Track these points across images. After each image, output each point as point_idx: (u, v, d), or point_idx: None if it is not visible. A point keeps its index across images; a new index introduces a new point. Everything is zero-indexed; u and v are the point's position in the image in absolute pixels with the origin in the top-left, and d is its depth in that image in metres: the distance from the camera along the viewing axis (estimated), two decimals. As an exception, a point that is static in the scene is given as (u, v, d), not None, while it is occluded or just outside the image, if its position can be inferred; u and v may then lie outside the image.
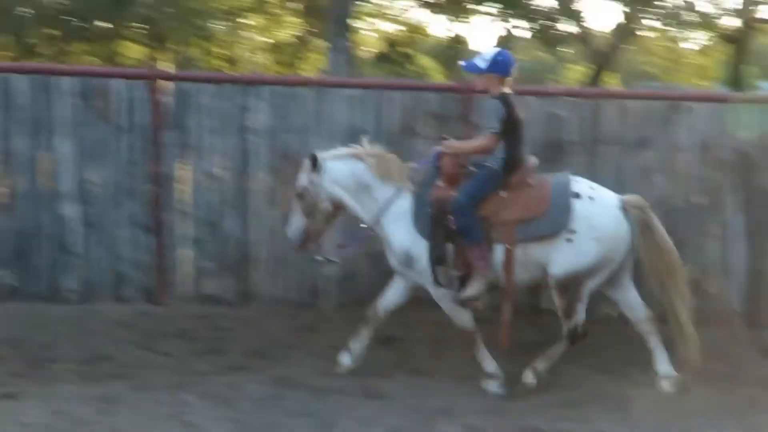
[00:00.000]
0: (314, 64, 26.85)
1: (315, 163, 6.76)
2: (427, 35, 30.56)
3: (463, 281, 6.57)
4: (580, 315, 6.63)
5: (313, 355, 7.24)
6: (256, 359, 7.26)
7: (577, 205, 6.54)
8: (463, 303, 6.66)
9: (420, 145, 7.96)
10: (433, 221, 6.56)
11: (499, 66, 6.58)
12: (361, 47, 26.87)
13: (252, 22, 26.69)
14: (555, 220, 6.50)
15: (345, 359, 6.98)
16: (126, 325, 7.77)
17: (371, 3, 25.13)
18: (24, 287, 7.98)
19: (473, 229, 6.48)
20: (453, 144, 6.69)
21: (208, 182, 8.12)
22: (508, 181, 6.57)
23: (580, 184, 6.69)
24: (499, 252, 6.53)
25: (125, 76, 8.36)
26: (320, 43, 23.67)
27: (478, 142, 6.68)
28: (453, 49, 29.12)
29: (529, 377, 6.71)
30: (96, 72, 8.98)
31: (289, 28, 26.98)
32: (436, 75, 31.48)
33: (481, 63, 6.60)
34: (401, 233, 6.71)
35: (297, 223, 6.85)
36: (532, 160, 6.72)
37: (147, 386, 6.56)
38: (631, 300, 6.83)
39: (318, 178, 6.77)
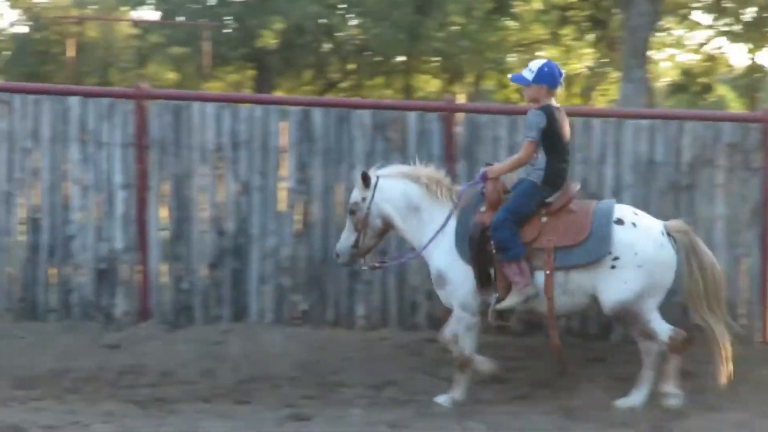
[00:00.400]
0: (608, 95, 26.43)
1: (366, 181, 6.90)
2: (727, 65, 29.32)
3: (500, 302, 6.62)
4: (664, 327, 6.58)
5: (600, 387, 7.01)
6: (542, 389, 7.16)
7: (620, 232, 6.53)
8: (498, 316, 6.69)
9: (719, 176, 7.73)
10: (475, 245, 6.59)
11: (545, 77, 6.63)
12: (657, 77, 26.14)
13: (546, 54, 26.66)
14: (595, 248, 6.49)
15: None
16: (414, 351, 7.86)
17: (670, 34, 24.42)
18: (316, 312, 8.25)
19: (512, 244, 6.48)
20: (495, 168, 6.77)
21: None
22: (551, 206, 6.62)
23: (624, 210, 6.70)
24: (540, 278, 6.54)
25: (422, 108, 8.55)
26: (614, 74, 23.24)
27: (516, 157, 6.78)
28: (751, 78, 27.74)
29: (671, 401, 6.57)
30: (393, 105, 9.21)
31: (583, 59, 26.72)
32: (734, 104, 30.11)
33: (527, 74, 6.67)
34: (439, 253, 6.80)
35: (347, 238, 7.01)
36: (575, 186, 6.78)
37: (433, 413, 6.58)
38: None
39: (370, 195, 6.89)
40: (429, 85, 29.80)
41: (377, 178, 6.95)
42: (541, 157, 6.63)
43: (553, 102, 6.70)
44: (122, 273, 8.13)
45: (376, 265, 7.33)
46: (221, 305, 8.18)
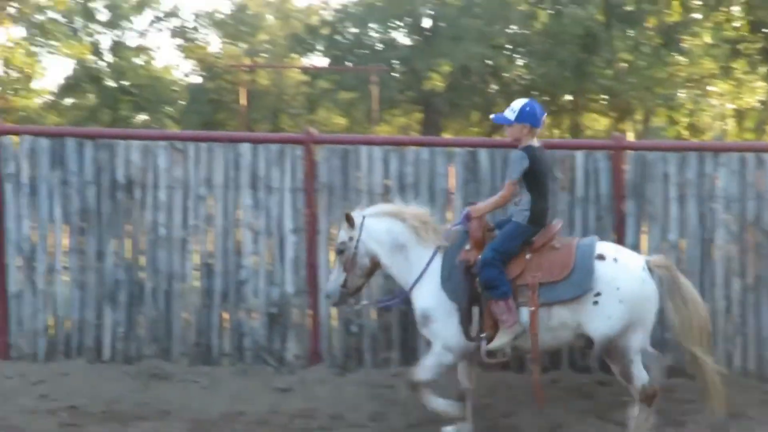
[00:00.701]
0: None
1: (350, 221, 7.00)
2: None
3: (489, 341, 6.66)
4: (642, 375, 6.64)
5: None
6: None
7: (601, 268, 6.58)
8: (488, 356, 6.71)
9: None
10: (459, 282, 6.70)
11: (527, 116, 6.76)
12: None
13: (717, 89, 25.83)
14: (578, 283, 6.54)
15: None
16: (585, 394, 7.71)
17: None
18: (487, 355, 8.13)
19: (498, 283, 6.56)
20: (478, 207, 6.90)
21: (667, 251, 7.87)
22: (533, 244, 6.71)
23: (605, 247, 6.78)
24: (524, 314, 6.60)
25: (590, 147, 8.39)
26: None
27: (497, 197, 6.92)
28: None
29: None
30: (560, 144, 9.04)
31: (756, 93, 25.77)
32: None
33: (509, 114, 6.81)
34: (425, 293, 6.86)
35: (336, 278, 7.08)
36: (558, 222, 6.90)
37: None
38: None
39: (356, 235, 6.98)
40: (597, 123, 29.35)
41: (363, 217, 7.06)
42: (525, 198, 6.77)
43: (535, 142, 6.84)
44: (293, 317, 8.23)
45: (363, 304, 7.54)
46: (390, 348, 8.18)
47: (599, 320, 6.55)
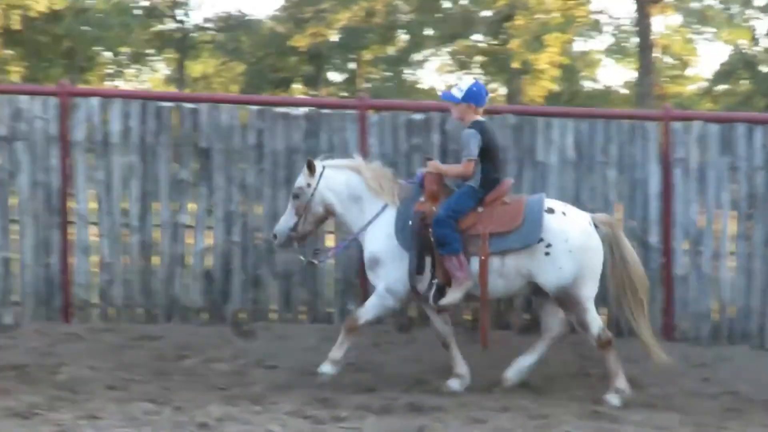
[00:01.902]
0: None
1: (311, 168, 7.33)
2: None
3: (442, 291, 7.05)
4: (597, 322, 7.09)
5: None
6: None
7: (551, 220, 7.04)
8: (440, 310, 7.21)
9: None
10: (414, 233, 7.03)
11: (473, 96, 7.19)
12: None
13: None
14: (528, 233, 6.99)
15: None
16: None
17: None
18: None
19: (452, 240, 6.97)
20: (437, 165, 7.30)
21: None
22: (485, 198, 7.11)
23: (554, 202, 7.26)
24: (476, 263, 6.98)
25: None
26: None
27: (458, 168, 7.24)
28: None
29: (615, 400, 7.02)
30: None
31: None
32: None
33: (457, 93, 7.22)
34: (377, 238, 7.26)
35: (287, 221, 7.42)
36: (509, 181, 7.30)
37: None
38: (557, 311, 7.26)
39: (315, 183, 7.33)
40: None
41: (323, 167, 7.41)
42: (478, 169, 7.15)
43: (480, 117, 7.23)
44: None
45: (315, 261, 7.68)
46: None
47: (551, 271, 7.03)
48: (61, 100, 8.14)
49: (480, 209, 7.12)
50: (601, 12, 30.25)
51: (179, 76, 32.47)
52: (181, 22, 31.53)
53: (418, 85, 32.69)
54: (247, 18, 31.55)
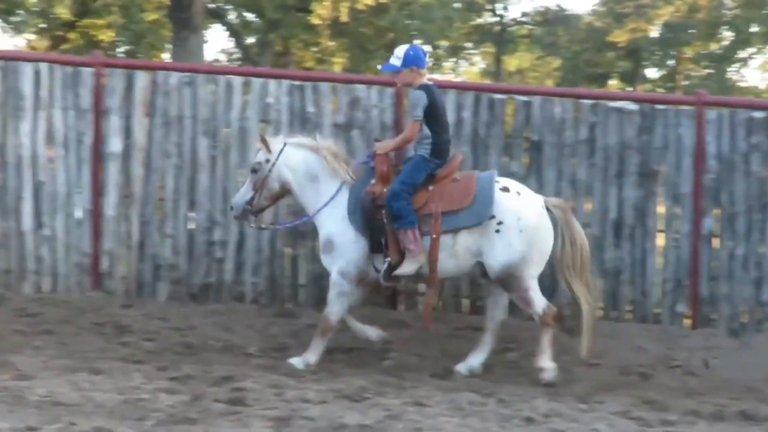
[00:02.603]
0: None
1: (266, 145, 7.39)
2: None
3: (392, 269, 7.07)
4: (541, 300, 7.14)
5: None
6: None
7: (505, 199, 7.10)
8: (389, 280, 7.17)
9: None
10: (366, 214, 7.08)
11: (412, 60, 7.19)
12: None
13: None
14: (479, 211, 7.03)
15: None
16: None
17: None
18: None
19: (406, 213, 6.99)
20: (384, 144, 7.36)
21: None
22: (435, 176, 7.16)
23: (507, 181, 7.34)
24: (426, 242, 7.00)
25: None
26: None
27: (403, 134, 7.37)
28: None
29: (548, 375, 7.06)
30: None
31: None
32: None
33: (395, 61, 7.22)
34: (331, 221, 7.32)
35: (244, 194, 7.50)
36: (458, 157, 7.35)
37: None
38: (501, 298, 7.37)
39: (273, 159, 7.37)
40: None
41: (284, 144, 7.44)
42: (425, 132, 7.14)
43: (426, 80, 7.18)
44: None
45: (263, 226, 7.93)
46: None
47: (500, 248, 7.04)
48: (396, 90, 8.39)
49: (431, 188, 7.13)
50: None
51: (496, 69, 32.77)
52: (500, 15, 31.79)
53: (740, 83, 31.17)
54: (565, 13, 31.38)
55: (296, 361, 7.19)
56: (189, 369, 6.89)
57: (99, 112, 8.48)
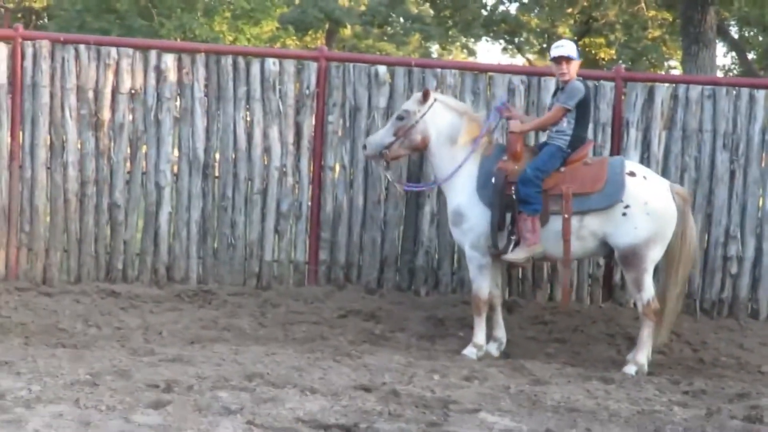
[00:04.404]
0: None
1: (426, 97, 7.36)
2: None
3: (516, 245, 7.14)
4: (650, 288, 7.18)
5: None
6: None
7: (632, 183, 7.13)
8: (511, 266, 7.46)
9: None
10: (496, 190, 7.08)
11: (580, 55, 7.38)
12: None
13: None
14: (610, 194, 7.08)
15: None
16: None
17: None
18: None
19: (534, 201, 7.05)
20: (523, 125, 7.32)
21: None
22: (569, 159, 7.15)
23: (635, 165, 7.42)
24: (557, 222, 7.05)
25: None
26: None
27: (547, 115, 7.36)
28: None
29: (631, 370, 7.08)
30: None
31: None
32: None
33: (575, 52, 7.22)
34: (461, 194, 7.34)
35: (383, 137, 7.46)
36: (590, 143, 7.44)
37: None
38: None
39: (423, 111, 7.30)
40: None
41: (435, 100, 7.39)
42: (566, 124, 7.18)
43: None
44: None
45: (391, 177, 7.92)
46: None
47: (626, 230, 7.06)
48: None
49: (562, 169, 7.15)
50: None
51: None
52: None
53: None
54: None
55: (468, 351, 7.37)
56: (701, 384, 6.86)
57: (618, 125, 8.65)
